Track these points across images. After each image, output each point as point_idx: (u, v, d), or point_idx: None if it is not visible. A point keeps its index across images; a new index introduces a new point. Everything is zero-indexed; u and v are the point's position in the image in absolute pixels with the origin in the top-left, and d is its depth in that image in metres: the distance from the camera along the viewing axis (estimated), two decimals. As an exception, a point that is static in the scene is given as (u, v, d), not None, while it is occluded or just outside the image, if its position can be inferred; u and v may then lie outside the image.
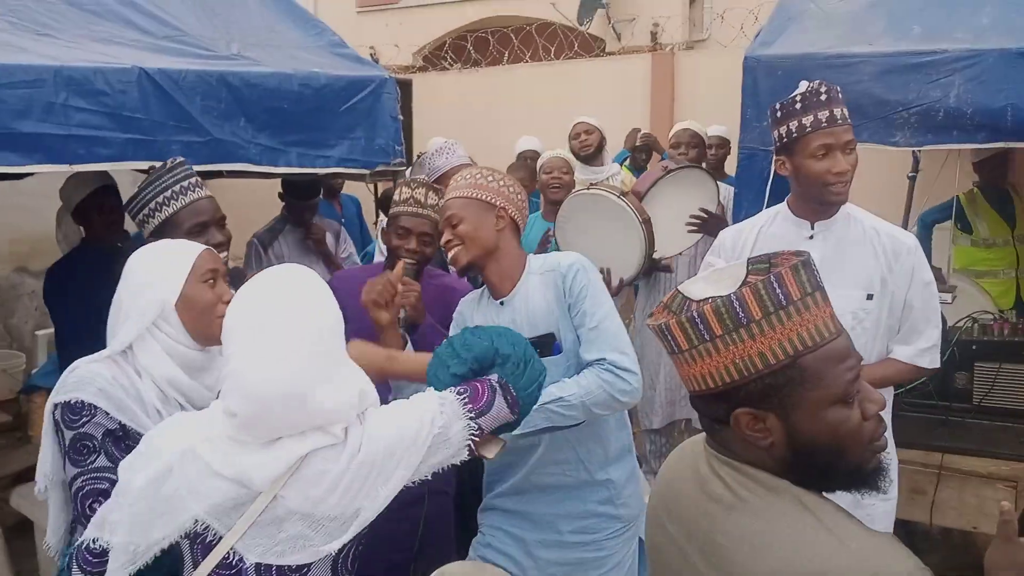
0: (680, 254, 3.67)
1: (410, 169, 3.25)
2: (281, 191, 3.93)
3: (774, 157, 2.23)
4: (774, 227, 2.29)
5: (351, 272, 3.24)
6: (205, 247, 1.77)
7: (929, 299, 2.18)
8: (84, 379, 1.62)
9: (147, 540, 1.30)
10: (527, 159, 4.77)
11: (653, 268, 3.56)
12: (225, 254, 2.19)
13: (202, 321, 1.69)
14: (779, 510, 1.05)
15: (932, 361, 2.20)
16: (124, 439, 1.63)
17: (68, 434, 1.59)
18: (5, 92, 2.06)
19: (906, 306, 2.17)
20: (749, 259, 1.15)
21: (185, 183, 2.10)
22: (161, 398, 1.68)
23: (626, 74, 6.62)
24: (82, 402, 1.59)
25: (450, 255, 2.11)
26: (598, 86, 6.57)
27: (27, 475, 3.30)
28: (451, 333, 2.25)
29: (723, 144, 4.69)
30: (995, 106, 2.59)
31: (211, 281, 1.71)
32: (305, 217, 3.91)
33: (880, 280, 2.15)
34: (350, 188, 5.36)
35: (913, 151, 4.68)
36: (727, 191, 3.81)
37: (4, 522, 3.49)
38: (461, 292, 2.62)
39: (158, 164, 2.21)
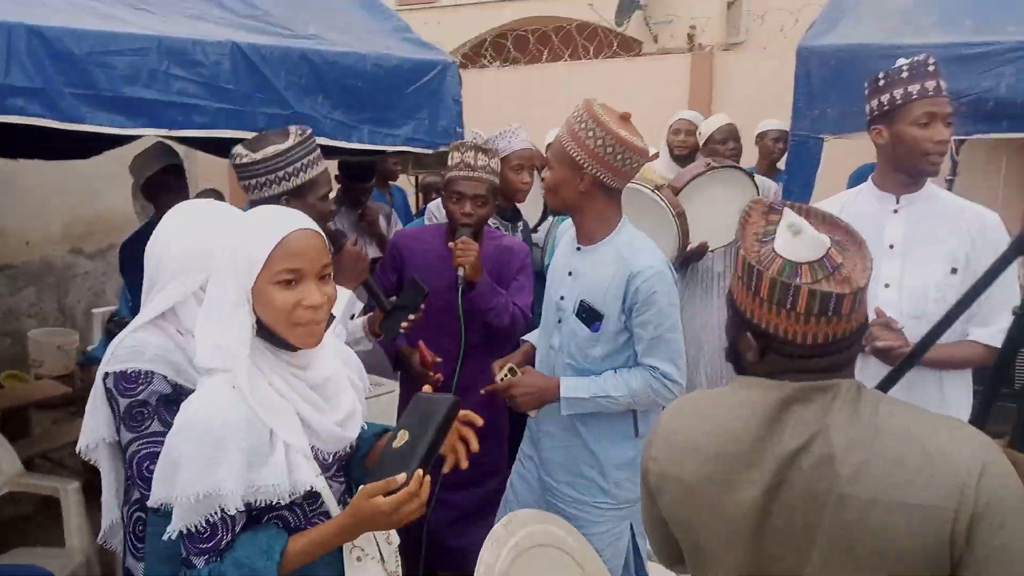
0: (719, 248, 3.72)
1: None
2: (338, 173, 4.05)
3: (869, 127, 2.24)
4: (857, 204, 2.29)
5: (412, 230, 3.37)
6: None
7: (1010, 280, 2.11)
8: (137, 348, 1.67)
9: None
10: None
11: (688, 260, 3.55)
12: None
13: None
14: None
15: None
16: (177, 401, 1.67)
17: (123, 402, 1.65)
18: (115, 59, 2.19)
19: None
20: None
21: (318, 152, 2.24)
22: None
23: (664, 74, 6.72)
24: (138, 371, 1.65)
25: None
26: (636, 85, 6.67)
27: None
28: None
29: (783, 137, 4.43)
30: (1046, 96, 2.66)
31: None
32: (361, 199, 4.03)
33: (964, 256, 2.15)
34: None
35: (951, 154, 4.75)
36: (772, 187, 3.88)
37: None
38: (518, 253, 2.78)
39: (251, 134, 2.35)
